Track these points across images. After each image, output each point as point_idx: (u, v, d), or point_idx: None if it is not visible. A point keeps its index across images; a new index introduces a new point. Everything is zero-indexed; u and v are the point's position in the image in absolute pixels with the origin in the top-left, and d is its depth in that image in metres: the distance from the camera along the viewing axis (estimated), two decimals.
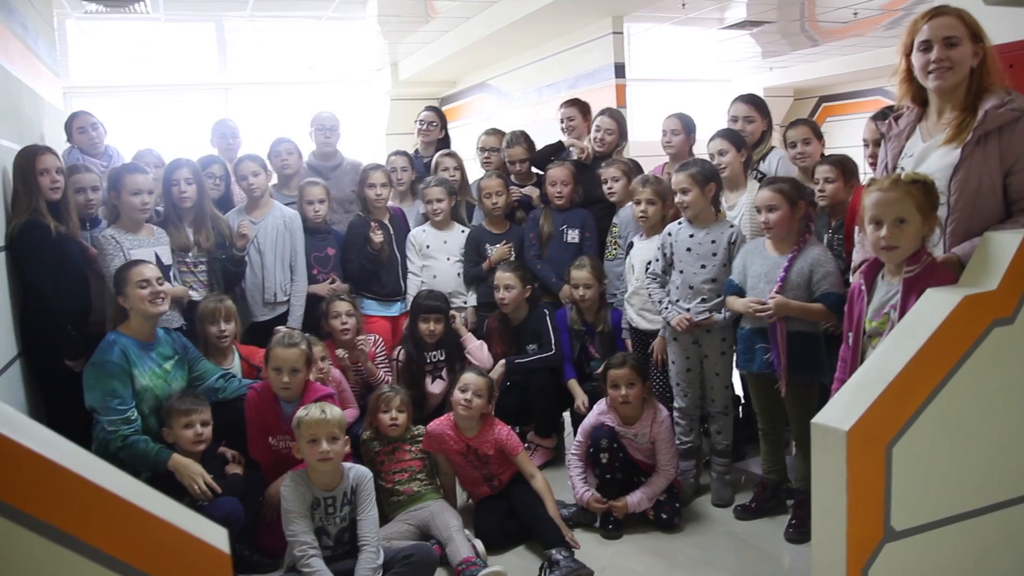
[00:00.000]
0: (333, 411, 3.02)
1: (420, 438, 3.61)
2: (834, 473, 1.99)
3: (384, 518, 3.33)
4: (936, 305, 2.09)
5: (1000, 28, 2.82)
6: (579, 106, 5.04)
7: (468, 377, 3.54)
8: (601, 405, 3.68)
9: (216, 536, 1.52)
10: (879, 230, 2.35)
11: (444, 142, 5.40)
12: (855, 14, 8.30)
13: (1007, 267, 2.11)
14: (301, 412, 3.01)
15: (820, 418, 2.05)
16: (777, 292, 3.24)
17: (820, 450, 2.05)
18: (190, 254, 3.95)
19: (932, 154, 2.54)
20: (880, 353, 2.13)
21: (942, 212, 2.45)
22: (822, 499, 2.07)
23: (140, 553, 1.44)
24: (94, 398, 3.17)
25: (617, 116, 4.77)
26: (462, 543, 3.17)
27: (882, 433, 2.01)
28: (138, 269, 3.32)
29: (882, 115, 3.25)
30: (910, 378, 2.02)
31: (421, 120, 5.34)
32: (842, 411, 2.01)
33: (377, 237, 4.36)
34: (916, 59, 2.50)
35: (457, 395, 3.51)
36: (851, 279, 2.79)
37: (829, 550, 2.05)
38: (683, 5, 7.61)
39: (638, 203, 3.93)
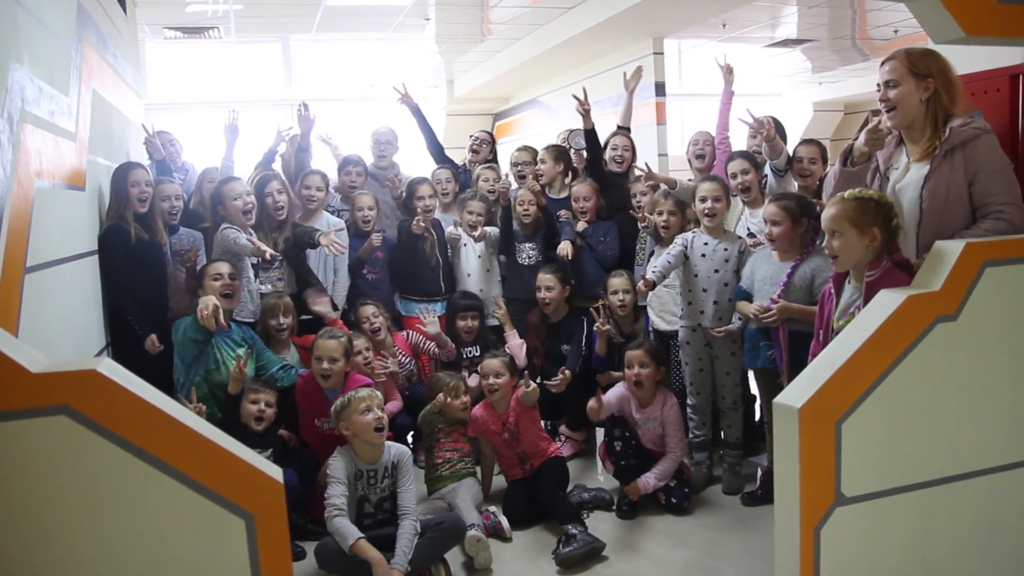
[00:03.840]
0: (375, 391, 3.49)
1: None
2: (789, 445, 2.33)
3: (422, 491, 3.75)
4: (885, 303, 2.42)
5: (987, 57, 3.12)
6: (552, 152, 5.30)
7: (486, 364, 3.99)
8: (622, 385, 4.04)
9: (274, 471, 1.95)
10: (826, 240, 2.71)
11: (491, 162, 5.81)
12: (895, 32, 8.50)
13: (950, 270, 2.43)
14: (350, 393, 3.43)
15: (779, 398, 2.39)
16: (779, 296, 3.57)
17: (779, 426, 2.38)
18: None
19: (912, 168, 2.87)
20: (835, 344, 2.46)
21: (914, 218, 2.77)
22: (781, 468, 2.41)
23: (216, 477, 1.88)
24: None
25: (628, 136, 5.18)
26: (469, 513, 3.56)
27: (832, 411, 2.34)
28: (215, 265, 3.88)
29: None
30: (858, 365, 2.35)
31: (476, 138, 5.75)
32: (797, 392, 2.35)
33: (419, 226, 4.72)
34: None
35: (484, 382, 3.95)
36: None
37: (786, 512, 2.38)
38: (723, 26, 7.92)
39: (660, 214, 4.29)
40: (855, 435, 2.36)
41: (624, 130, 5.24)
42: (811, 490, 2.34)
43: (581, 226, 4.76)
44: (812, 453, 2.32)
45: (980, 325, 2.49)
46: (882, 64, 2.78)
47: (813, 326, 3.51)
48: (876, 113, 2.96)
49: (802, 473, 2.31)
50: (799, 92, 13.26)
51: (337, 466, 3.36)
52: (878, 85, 2.80)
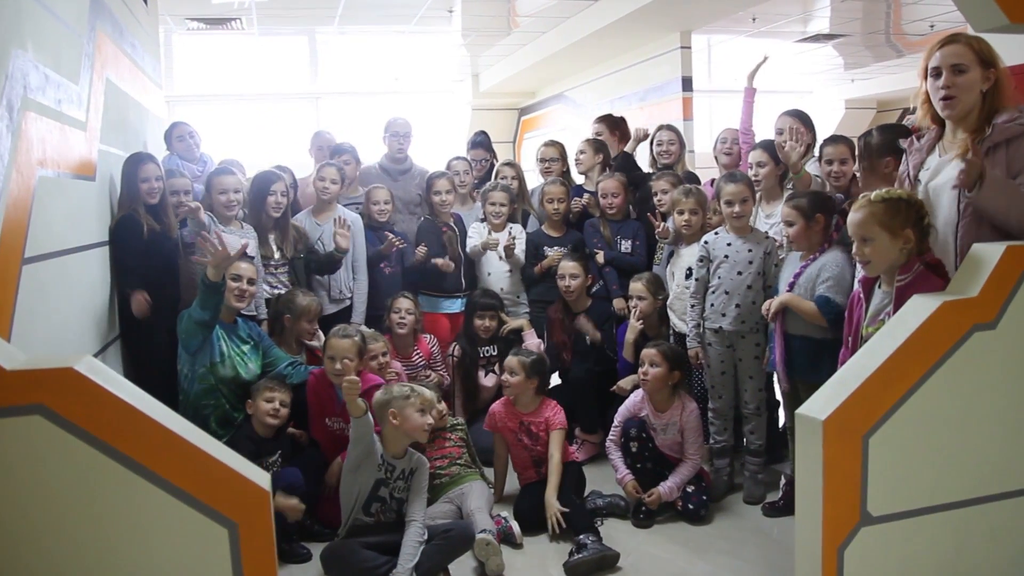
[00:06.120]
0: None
1: (459, 427, 3.96)
2: (813, 459, 2.20)
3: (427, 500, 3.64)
4: (918, 309, 2.27)
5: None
6: (607, 122, 5.40)
7: (507, 361, 3.90)
8: (640, 392, 3.92)
9: (260, 477, 1.85)
10: (855, 247, 2.55)
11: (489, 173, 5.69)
12: (931, 26, 8.26)
13: (988, 276, 2.27)
14: (413, 386, 3.41)
15: (803, 409, 2.26)
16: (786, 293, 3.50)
17: (802, 438, 2.25)
18: (273, 259, 4.37)
19: (946, 167, 2.71)
20: (863, 352, 2.32)
21: (952, 219, 2.61)
22: (803, 483, 2.28)
23: (198, 484, 1.78)
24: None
25: (675, 129, 5.05)
26: (482, 519, 3.44)
27: (859, 424, 2.20)
28: (239, 264, 3.76)
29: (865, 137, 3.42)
30: (888, 375, 2.21)
31: (473, 159, 5.60)
32: (822, 403, 2.22)
33: (448, 267, 4.72)
34: (929, 85, 2.66)
35: (501, 378, 3.88)
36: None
37: (808, 530, 2.25)
38: (753, 20, 7.75)
39: (681, 213, 4.15)
40: (883, 450, 2.22)
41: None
42: (835, 508, 2.20)
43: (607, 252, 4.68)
44: (837, 469, 2.19)
45: (1021, 335, 2.33)
46: (940, 47, 2.59)
47: (815, 330, 3.44)
48: (908, 112, 2.81)
49: (826, 490, 2.18)
50: (831, 89, 13.02)
51: None
52: (936, 69, 2.60)
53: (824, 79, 12.26)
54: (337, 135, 5.69)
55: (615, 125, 5.40)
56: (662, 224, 4.42)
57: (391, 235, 4.67)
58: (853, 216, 2.55)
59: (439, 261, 4.69)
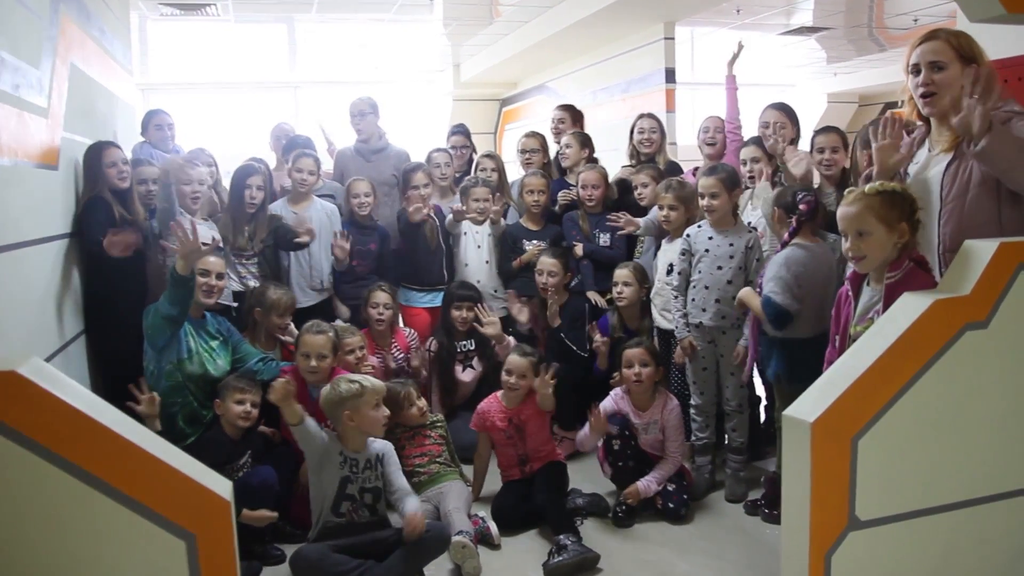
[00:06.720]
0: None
1: (439, 424, 3.85)
2: (800, 462, 2.12)
3: None
4: (908, 307, 2.19)
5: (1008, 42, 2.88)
6: (571, 111, 5.41)
7: (512, 360, 3.75)
8: (617, 391, 3.84)
9: (220, 486, 1.74)
10: (847, 242, 2.47)
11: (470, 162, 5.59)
12: (915, 20, 8.22)
13: (981, 274, 2.20)
14: (363, 379, 3.23)
15: (790, 410, 2.18)
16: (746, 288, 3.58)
17: (788, 440, 2.17)
18: (246, 251, 4.27)
19: (934, 161, 2.65)
20: (852, 351, 2.25)
21: (937, 210, 2.55)
22: (790, 486, 2.20)
23: (152, 493, 1.67)
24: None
25: (656, 118, 4.96)
26: (459, 520, 3.35)
27: (848, 426, 2.12)
28: (206, 259, 3.61)
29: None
30: (878, 375, 2.13)
31: (453, 146, 5.51)
32: (810, 404, 2.14)
33: (421, 213, 4.59)
34: (909, 82, 2.60)
35: (504, 377, 3.75)
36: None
37: (795, 535, 2.17)
38: (737, 11, 7.66)
39: (661, 208, 4.07)
40: (873, 453, 2.15)
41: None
42: (823, 512, 2.13)
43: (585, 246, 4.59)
44: (825, 472, 2.11)
45: (1013, 334, 2.26)
46: (920, 44, 2.52)
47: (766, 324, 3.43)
48: (892, 106, 2.73)
49: (813, 494, 2.10)
50: (814, 83, 12.98)
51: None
52: (915, 66, 2.54)
53: (807, 73, 12.22)
54: (316, 125, 5.61)
55: (576, 117, 5.38)
56: (622, 217, 4.37)
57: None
58: (847, 210, 2.47)
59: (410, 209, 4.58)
